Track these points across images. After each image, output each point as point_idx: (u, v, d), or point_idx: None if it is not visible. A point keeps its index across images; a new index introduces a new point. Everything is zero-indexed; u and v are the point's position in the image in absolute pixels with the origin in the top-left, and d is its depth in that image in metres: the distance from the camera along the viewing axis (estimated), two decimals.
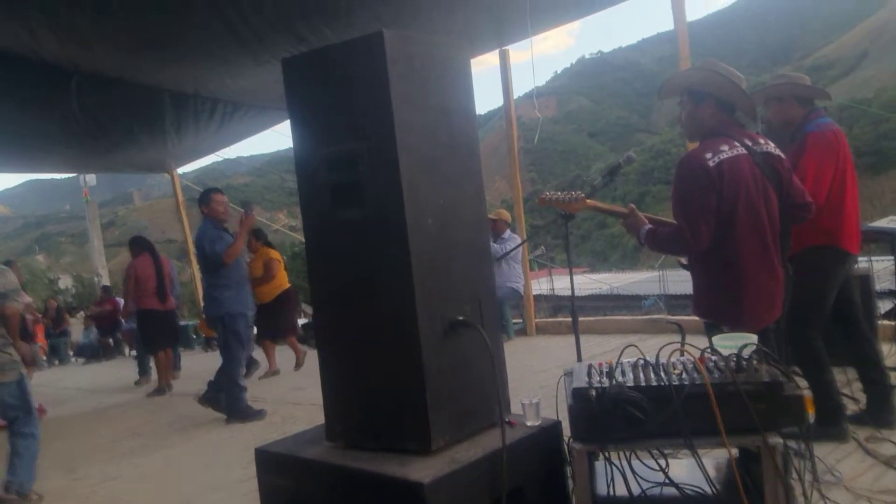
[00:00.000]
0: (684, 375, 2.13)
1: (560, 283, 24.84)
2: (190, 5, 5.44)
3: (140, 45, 6.24)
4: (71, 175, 15.92)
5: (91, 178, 19.91)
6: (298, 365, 7.98)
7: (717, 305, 2.88)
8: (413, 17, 6.27)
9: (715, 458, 2.55)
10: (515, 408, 2.54)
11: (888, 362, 3.87)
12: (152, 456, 5.19)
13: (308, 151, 2.39)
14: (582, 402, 2.12)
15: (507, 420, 2.33)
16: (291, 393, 6.81)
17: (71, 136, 8.35)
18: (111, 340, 14.59)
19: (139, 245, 8.28)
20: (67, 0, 5.09)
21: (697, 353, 2.24)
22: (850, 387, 3.86)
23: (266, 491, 2.52)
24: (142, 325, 8.29)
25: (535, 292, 9.30)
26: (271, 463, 2.48)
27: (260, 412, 5.83)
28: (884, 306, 5.75)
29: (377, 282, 2.27)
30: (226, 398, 5.87)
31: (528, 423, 2.40)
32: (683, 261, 3.16)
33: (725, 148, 2.79)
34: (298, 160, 2.41)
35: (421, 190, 2.23)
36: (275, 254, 8.01)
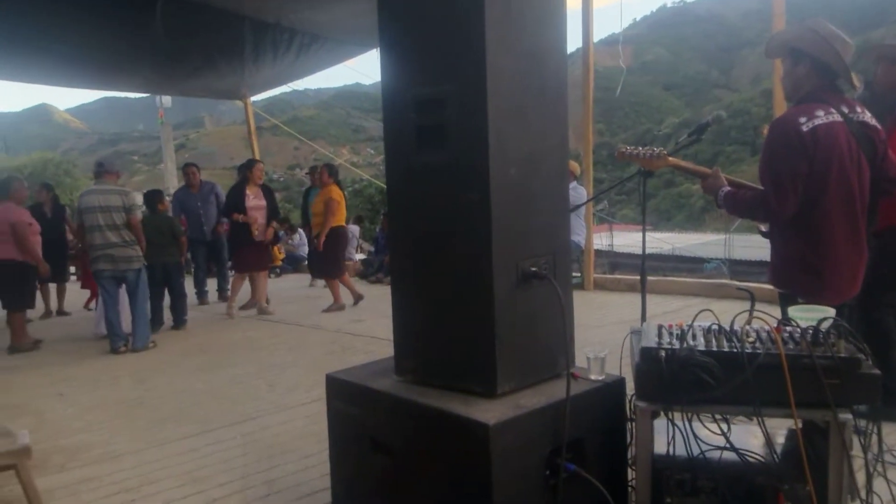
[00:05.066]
0: (758, 344, 2.12)
1: (619, 240, 24.56)
2: None
3: None
4: (145, 95, 16.26)
5: (167, 101, 20.41)
6: (356, 299, 8.21)
7: (796, 276, 2.81)
8: None
9: (775, 427, 2.53)
10: (579, 360, 2.57)
11: None
12: (218, 373, 5.46)
13: (397, 90, 2.39)
14: (650, 362, 2.13)
15: (571, 372, 2.36)
16: (350, 324, 7.03)
17: (153, 59, 8.56)
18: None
19: None
20: None
21: (773, 322, 2.20)
22: None
23: (334, 415, 2.64)
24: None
25: (594, 247, 9.22)
26: (341, 390, 2.59)
27: None
28: None
29: (456, 226, 2.29)
30: None
31: (592, 377, 2.42)
32: (763, 228, 3.08)
33: (821, 113, 2.68)
34: (386, 98, 2.42)
35: (507, 138, 2.22)
36: (336, 194, 8.04)
